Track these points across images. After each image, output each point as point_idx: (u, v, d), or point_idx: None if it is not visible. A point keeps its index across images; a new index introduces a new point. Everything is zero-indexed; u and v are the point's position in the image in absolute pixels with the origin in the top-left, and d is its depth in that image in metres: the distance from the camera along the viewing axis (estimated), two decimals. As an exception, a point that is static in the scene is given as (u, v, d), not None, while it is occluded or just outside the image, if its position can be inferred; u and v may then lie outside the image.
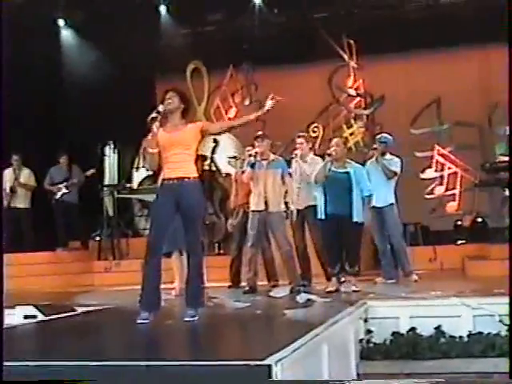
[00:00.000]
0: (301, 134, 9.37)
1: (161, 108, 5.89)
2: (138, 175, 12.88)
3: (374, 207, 9.01)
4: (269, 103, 6.08)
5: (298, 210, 8.87)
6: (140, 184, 12.57)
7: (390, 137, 9.50)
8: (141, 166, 13.09)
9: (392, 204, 9.24)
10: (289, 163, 9.08)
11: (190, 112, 6.24)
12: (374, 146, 9.44)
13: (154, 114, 5.85)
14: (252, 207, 8.69)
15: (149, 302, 5.82)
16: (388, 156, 9.34)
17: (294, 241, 9.07)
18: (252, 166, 8.65)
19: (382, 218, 9.20)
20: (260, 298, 8.28)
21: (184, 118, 6.03)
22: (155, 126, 5.86)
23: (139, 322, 5.71)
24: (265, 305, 7.91)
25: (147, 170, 12.22)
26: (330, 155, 8.28)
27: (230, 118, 14.61)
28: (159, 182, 6.14)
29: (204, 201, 6.88)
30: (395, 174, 9.27)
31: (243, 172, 8.98)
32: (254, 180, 8.66)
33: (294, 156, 9.14)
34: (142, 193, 12.20)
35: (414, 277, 9.17)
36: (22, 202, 12.09)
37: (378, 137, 9.60)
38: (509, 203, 9.89)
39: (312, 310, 7.25)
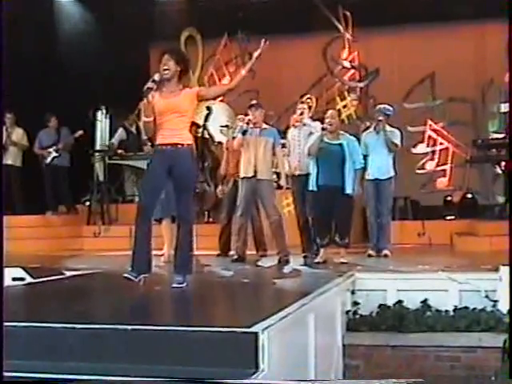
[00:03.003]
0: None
1: (157, 77, 5.77)
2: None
3: (375, 179, 9.03)
4: (258, 52, 6.03)
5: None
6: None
7: (391, 108, 9.45)
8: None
9: (391, 177, 9.17)
10: (280, 133, 9.02)
11: (188, 74, 6.16)
12: (379, 117, 9.24)
13: (149, 84, 5.73)
14: (241, 174, 8.61)
15: (140, 265, 5.79)
16: (388, 128, 9.22)
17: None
18: (243, 133, 8.58)
19: (378, 191, 9.12)
20: (248, 267, 8.31)
21: (181, 82, 5.93)
22: (151, 95, 5.77)
23: (125, 275, 5.68)
24: (253, 274, 7.94)
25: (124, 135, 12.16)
26: (325, 129, 8.22)
27: (223, 87, 14.55)
28: (154, 147, 6.06)
29: (196, 169, 6.85)
30: (397, 146, 9.20)
31: (234, 138, 8.92)
32: (244, 147, 8.57)
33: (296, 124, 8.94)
34: (133, 159, 12.15)
35: (386, 252, 9.00)
36: (12, 159, 11.94)
37: (380, 107, 9.40)
38: (509, 181, 9.89)
39: (300, 280, 7.29)
